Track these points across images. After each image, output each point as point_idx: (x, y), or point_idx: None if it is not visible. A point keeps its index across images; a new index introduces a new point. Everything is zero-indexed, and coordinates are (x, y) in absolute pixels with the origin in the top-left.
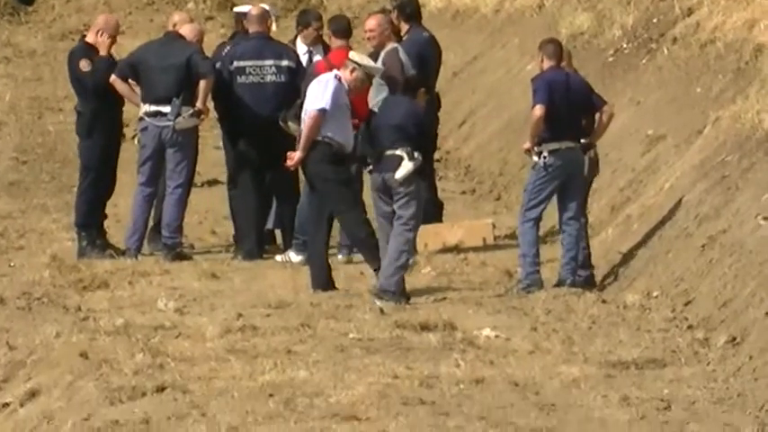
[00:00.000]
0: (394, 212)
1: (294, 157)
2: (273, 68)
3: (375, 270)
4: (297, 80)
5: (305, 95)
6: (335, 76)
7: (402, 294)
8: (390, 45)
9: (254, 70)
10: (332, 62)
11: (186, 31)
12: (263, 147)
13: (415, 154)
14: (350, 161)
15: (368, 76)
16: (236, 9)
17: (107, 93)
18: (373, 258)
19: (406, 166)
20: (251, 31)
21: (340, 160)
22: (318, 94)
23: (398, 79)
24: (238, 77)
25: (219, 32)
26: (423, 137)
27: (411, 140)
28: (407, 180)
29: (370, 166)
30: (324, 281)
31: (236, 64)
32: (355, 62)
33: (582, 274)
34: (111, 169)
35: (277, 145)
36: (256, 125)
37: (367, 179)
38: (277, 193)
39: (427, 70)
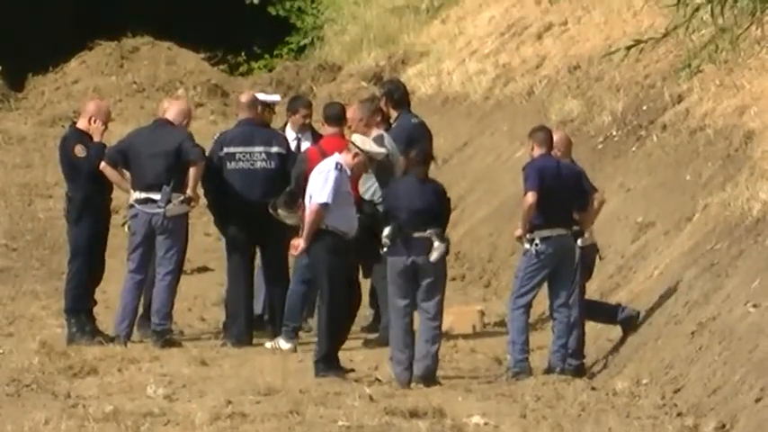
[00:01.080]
0: (408, 305)
1: (298, 246)
2: (263, 155)
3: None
4: (287, 166)
5: (294, 182)
6: (336, 165)
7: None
8: (375, 132)
9: (243, 156)
10: (324, 149)
11: (173, 110)
12: (252, 232)
13: (445, 235)
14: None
15: (370, 160)
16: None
17: (99, 179)
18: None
19: (439, 249)
20: (240, 117)
21: (343, 249)
22: (319, 187)
23: (387, 165)
24: (228, 163)
25: (209, 119)
26: (448, 216)
27: (439, 222)
28: (440, 262)
29: (385, 249)
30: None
31: (225, 150)
32: (357, 147)
33: (572, 363)
34: (100, 255)
35: (267, 231)
36: (246, 211)
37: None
38: (267, 278)
39: None
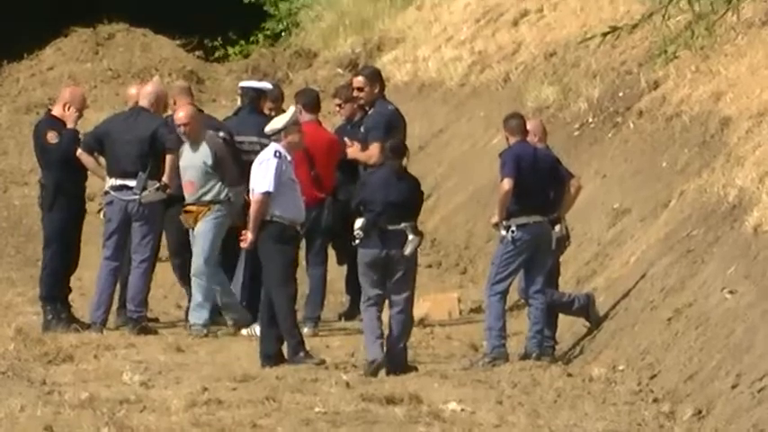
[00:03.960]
0: (380, 295)
1: (247, 238)
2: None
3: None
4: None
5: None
6: (276, 153)
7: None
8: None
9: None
10: None
11: (145, 94)
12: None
13: (418, 227)
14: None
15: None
16: (242, 84)
17: (72, 165)
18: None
19: (413, 242)
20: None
21: (290, 238)
22: (260, 176)
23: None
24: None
25: None
26: (420, 209)
27: (413, 215)
28: (412, 255)
29: (358, 240)
30: (271, 353)
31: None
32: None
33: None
34: (74, 242)
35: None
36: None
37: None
38: (250, 266)
39: None
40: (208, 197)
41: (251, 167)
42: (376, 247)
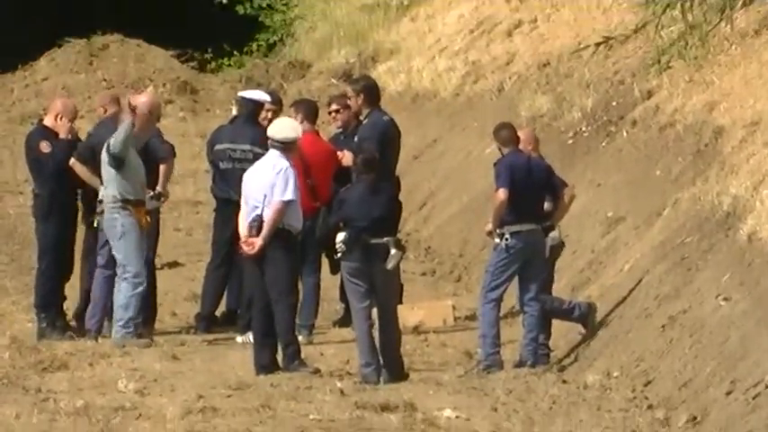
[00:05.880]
0: (368, 307)
1: (255, 244)
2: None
3: (261, 366)
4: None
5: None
6: (289, 164)
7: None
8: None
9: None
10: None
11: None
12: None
13: (400, 241)
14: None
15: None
16: (241, 93)
17: (66, 175)
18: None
19: (396, 257)
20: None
21: (295, 246)
22: (282, 185)
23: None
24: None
25: (179, 116)
26: (398, 220)
27: (394, 228)
28: (394, 269)
29: (340, 254)
30: (266, 362)
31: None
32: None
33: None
34: (69, 251)
35: None
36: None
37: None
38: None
39: (389, 153)
40: None
41: (241, 174)
42: (359, 260)
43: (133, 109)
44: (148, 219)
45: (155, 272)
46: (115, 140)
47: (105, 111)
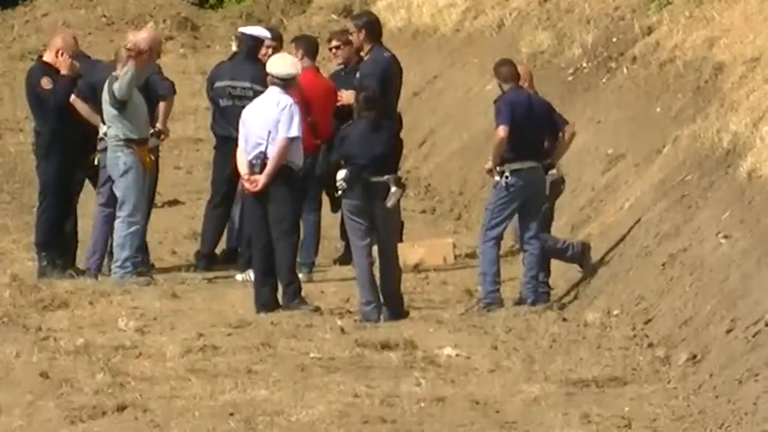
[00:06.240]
0: (368, 245)
1: (258, 182)
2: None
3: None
4: None
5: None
6: (294, 100)
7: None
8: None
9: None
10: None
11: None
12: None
13: (401, 179)
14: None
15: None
16: (241, 29)
17: (67, 112)
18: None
19: (396, 194)
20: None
21: (298, 182)
22: (287, 122)
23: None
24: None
25: (179, 52)
26: (399, 157)
27: (394, 166)
28: (394, 206)
29: (341, 191)
30: (267, 301)
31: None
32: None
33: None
34: (70, 189)
35: None
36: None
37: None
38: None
39: (390, 90)
40: None
41: (241, 112)
42: (359, 198)
43: (136, 52)
44: (152, 157)
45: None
46: (120, 85)
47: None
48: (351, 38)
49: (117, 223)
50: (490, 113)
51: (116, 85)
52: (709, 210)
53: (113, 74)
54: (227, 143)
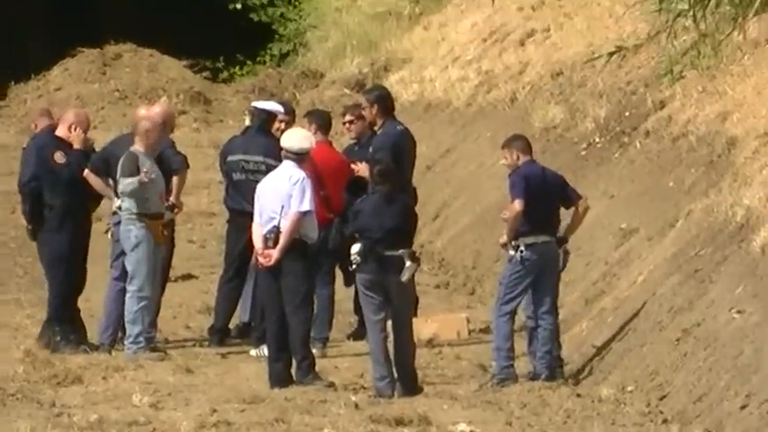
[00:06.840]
0: (382, 319)
1: (272, 256)
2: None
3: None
4: None
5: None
6: (306, 174)
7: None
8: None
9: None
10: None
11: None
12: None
13: (415, 254)
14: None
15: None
16: (255, 104)
17: (80, 186)
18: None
19: (410, 269)
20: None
21: (310, 256)
22: (299, 196)
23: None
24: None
25: (192, 126)
26: (414, 231)
27: (409, 240)
28: (409, 281)
29: (355, 266)
30: (281, 376)
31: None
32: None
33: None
34: (82, 262)
35: None
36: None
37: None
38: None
39: (403, 163)
40: None
41: (254, 186)
42: (373, 272)
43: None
44: (165, 232)
45: (165, 284)
46: (122, 189)
47: (36, 126)
48: (364, 112)
49: (127, 298)
50: (503, 187)
51: (120, 186)
52: (722, 284)
53: (131, 149)
54: (240, 217)
